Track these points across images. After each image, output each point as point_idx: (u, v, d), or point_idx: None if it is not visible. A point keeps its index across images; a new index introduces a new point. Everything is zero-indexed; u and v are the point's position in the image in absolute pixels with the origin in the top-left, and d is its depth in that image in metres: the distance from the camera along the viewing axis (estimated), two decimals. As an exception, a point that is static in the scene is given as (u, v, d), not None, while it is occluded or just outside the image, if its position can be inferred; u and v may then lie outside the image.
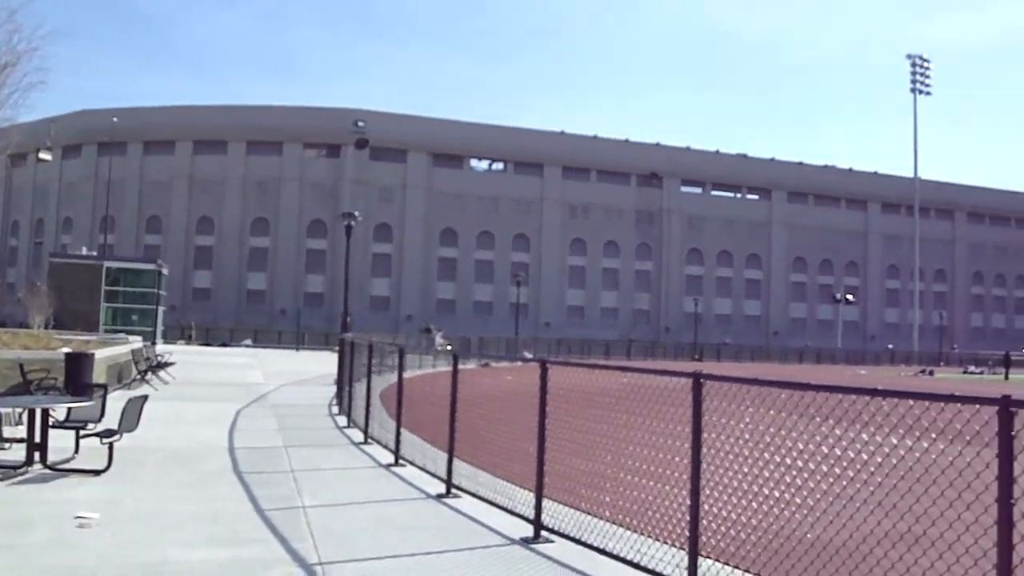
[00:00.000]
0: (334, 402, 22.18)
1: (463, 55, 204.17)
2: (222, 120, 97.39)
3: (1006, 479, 4.52)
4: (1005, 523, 4.51)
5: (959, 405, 4.95)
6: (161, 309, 57.18)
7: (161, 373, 26.38)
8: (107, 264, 54.99)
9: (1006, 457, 4.53)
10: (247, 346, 70.89)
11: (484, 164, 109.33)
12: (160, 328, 56.20)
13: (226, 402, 21.10)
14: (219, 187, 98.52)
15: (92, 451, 11.39)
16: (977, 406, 4.81)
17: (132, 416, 11.55)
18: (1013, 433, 4.54)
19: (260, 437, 15.41)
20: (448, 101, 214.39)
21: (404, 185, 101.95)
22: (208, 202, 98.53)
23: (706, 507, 6.62)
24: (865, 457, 5.92)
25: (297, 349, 68.65)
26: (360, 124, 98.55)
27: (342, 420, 18.54)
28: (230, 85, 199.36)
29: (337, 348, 26.93)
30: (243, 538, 8.18)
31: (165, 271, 59.91)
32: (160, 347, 38.90)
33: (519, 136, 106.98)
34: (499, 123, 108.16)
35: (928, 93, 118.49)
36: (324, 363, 38.64)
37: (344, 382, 20.46)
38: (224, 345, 70.10)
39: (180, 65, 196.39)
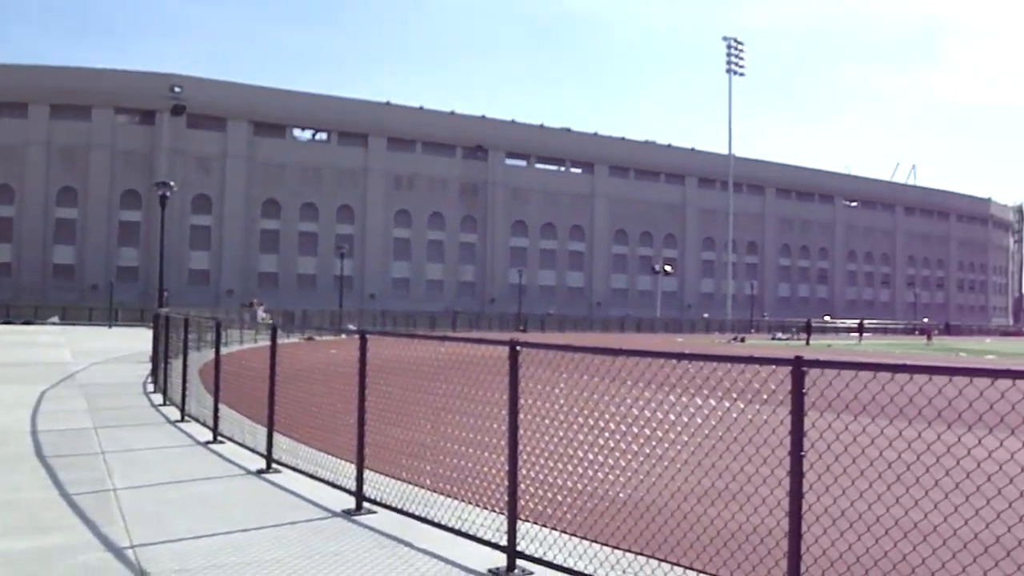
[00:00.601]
0: (149, 380, 21.33)
1: (286, 22, 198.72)
2: (21, 81, 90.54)
3: (797, 433, 4.82)
4: (795, 474, 4.81)
5: (758, 367, 5.25)
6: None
7: (-45, 354, 24.68)
8: None
9: (798, 412, 4.82)
10: (54, 324, 67.22)
11: (307, 134, 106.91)
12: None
13: (29, 384, 19.94)
14: (19, 153, 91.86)
15: None
16: (773, 367, 5.11)
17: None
18: (804, 390, 4.83)
19: (67, 419, 14.64)
20: (271, 69, 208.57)
21: (224, 154, 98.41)
22: (7, 170, 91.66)
23: (524, 471, 6.75)
24: (673, 418, 6.19)
25: (110, 326, 65.60)
26: (177, 90, 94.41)
27: (158, 398, 17.87)
28: (28, 43, 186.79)
29: (152, 324, 25.91)
30: (47, 526, 7.75)
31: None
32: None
33: (344, 106, 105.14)
34: (323, 92, 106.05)
35: (742, 74, 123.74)
36: (139, 340, 37.12)
37: (160, 359, 19.70)
38: (28, 323, 66.22)
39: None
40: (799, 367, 4.86)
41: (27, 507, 8.39)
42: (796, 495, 4.83)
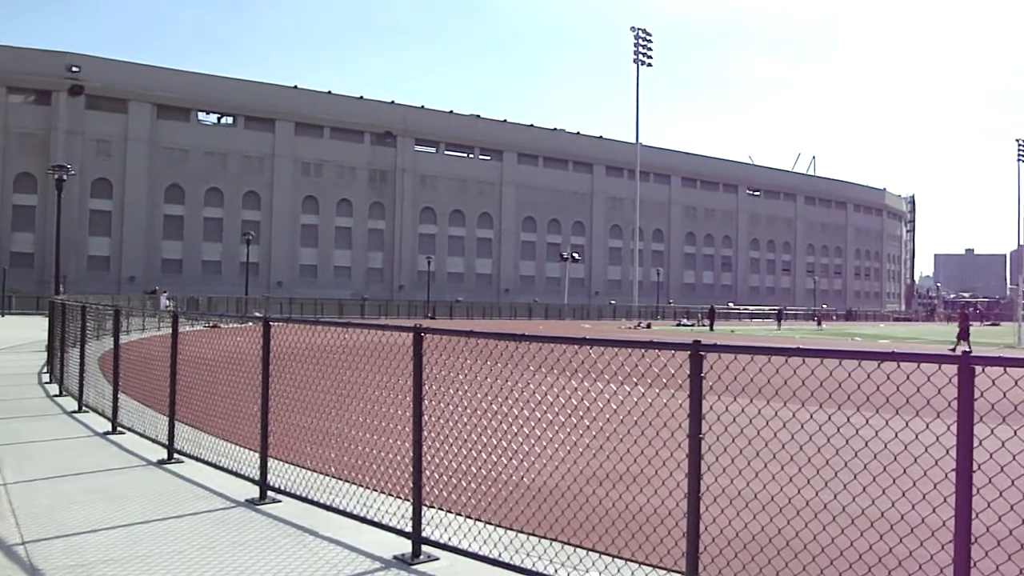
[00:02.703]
0: (45, 370, 20.68)
1: (193, 2, 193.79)
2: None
3: (696, 415, 4.94)
4: (694, 456, 4.94)
5: (658, 351, 5.36)
6: None
7: None
8: None
9: (696, 395, 4.94)
10: (-57, 312, 64.56)
11: (213, 118, 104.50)
12: None
13: (-84, 373, 19.15)
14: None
15: None
16: (673, 352, 5.23)
17: None
18: (702, 374, 4.96)
19: (-44, 410, 14.12)
20: (175, 50, 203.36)
21: (125, 137, 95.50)
22: None
23: (428, 458, 6.77)
24: (575, 402, 6.28)
25: (2, 314, 63.28)
26: (74, 69, 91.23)
27: (53, 388, 17.34)
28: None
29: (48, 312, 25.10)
30: (-69, 521, 7.48)
31: None
32: None
33: (250, 89, 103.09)
34: (230, 75, 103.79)
35: (650, 65, 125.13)
36: (34, 328, 35.93)
37: (56, 348, 19.11)
38: (-86, 312, 63.50)
39: None
40: (697, 351, 4.99)
41: (-89, 503, 8.07)
42: (695, 476, 4.95)
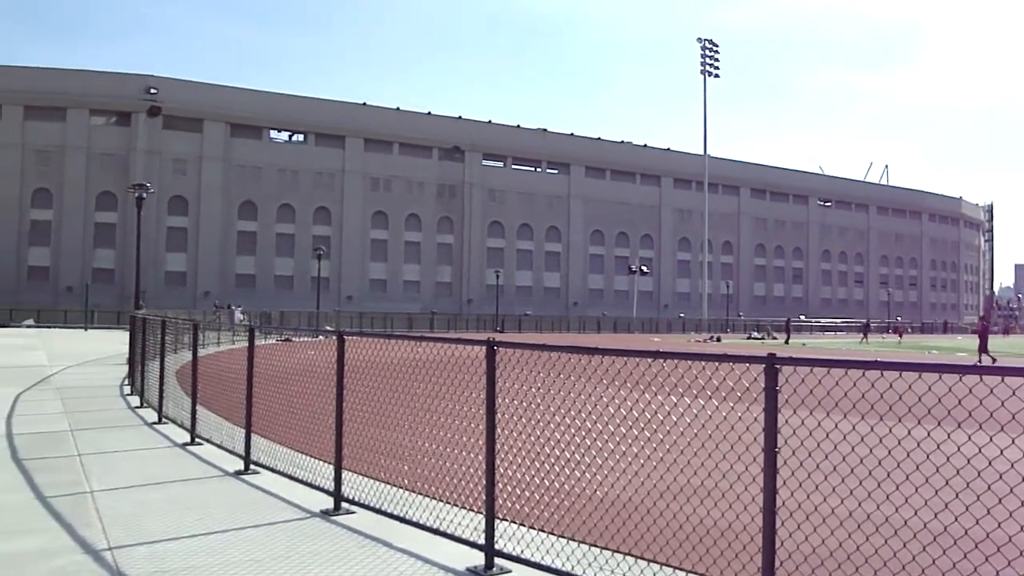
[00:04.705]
0: (126, 383, 21.23)
1: (265, 25, 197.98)
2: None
3: (771, 429, 4.89)
4: (769, 470, 4.89)
5: (732, 365, 5.33)
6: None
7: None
8: None
9: (771, 409, 4.90)
10: (29, 326, 66.62)
11: (284, 135, 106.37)
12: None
13: (3, 386, 19.79)
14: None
15: None
16: (747, 365, 5.19)
17: None
18: (777, 387, 4.91)
19: (43, 422, 14.56)
20: (247, 70, 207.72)
21: (200, 156, 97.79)
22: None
23: (502, 470, 6.80)
24: (648, 416, 6.25)
25: (86, 328, 65.08)
26: (152, 91, 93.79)
27: (135, 400, 17.79)
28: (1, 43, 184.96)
29: (129, 326, 25.78)
30: (22, 528, 7.73)
31: (-69, 247, 55.36)
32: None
33: (320, 107, 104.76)
34: (300, 93, 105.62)
35: (717, 75, 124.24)
36: (115, 342, 36.90)
37: (136, 361, 19.61)
38: (2, 326, 65.60)
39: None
40: (772, 364, 4.95)
41: (5, 510, 8.36)
42: (770, 491, 4.90)
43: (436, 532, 7.19)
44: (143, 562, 6.68)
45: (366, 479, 8.60)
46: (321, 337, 12.95)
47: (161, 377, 15.09)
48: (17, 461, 10.93)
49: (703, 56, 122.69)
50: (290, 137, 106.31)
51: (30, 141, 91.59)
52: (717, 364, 5.43)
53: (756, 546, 5.04)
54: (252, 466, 10.37)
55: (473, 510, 7.22)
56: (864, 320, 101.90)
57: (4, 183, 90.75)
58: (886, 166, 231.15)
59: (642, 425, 6.35)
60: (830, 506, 5.43)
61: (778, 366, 4.94)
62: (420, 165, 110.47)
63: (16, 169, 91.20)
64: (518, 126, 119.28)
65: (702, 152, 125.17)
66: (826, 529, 5.73)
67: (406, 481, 8.37)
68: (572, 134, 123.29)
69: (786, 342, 70.50)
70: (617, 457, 6.65)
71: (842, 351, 51.23)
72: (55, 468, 10.46)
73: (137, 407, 16.88)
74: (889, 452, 4.90)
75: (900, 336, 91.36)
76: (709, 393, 5.61)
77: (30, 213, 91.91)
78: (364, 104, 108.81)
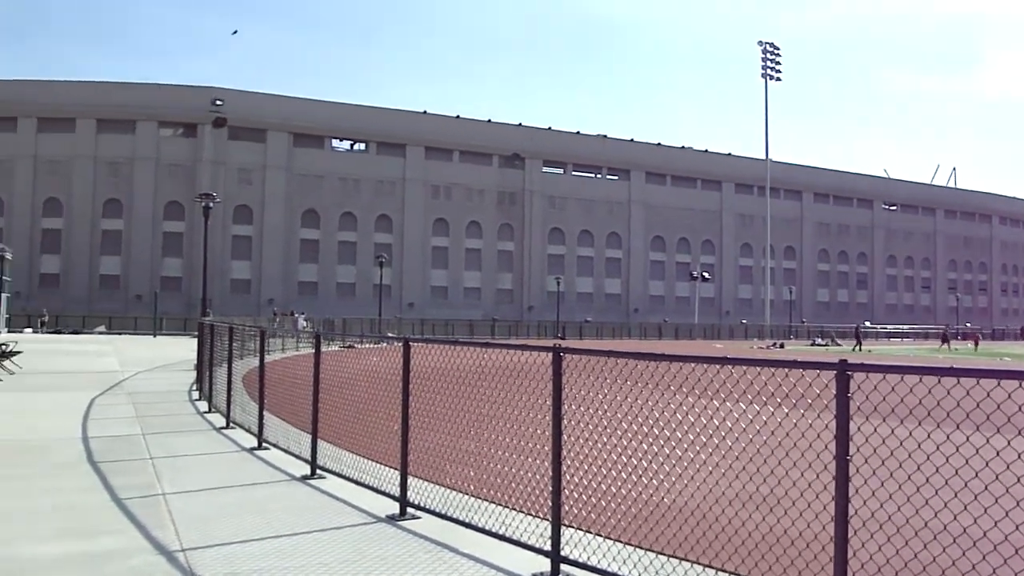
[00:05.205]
0: (194, 388, 21.63)
1: (324, 35, 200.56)
2: (70, 97, 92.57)
3: (843, 437, 4.82)
4: (841, 478, 4.81)
5: (802, 372, 5.26)
6: (4, 296, 54.48)
7: (6, 363, 25.08)
8: (-58, 249, 52.03)
9: (843, 416, 4.82)
10: (101, 333, 68.25)
11: (346, 144, 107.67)
12: (3, 316, 53.57)
13: (79, 391, 20.31)
14: (67, 167, 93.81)
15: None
16: (818, 372, 5.12)
17: (-25, 407, 11.00)
18: (849, 394, 4.83)
19: (116, 425, 14.90)
20: (308, 81, 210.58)
21: (264, 165, 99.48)
22: (55, 183, 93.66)
23: (567, 477, 6.79)
24: (717, 423, 6.19)
25: (154, 335, 66.52)
26: (218, 102, 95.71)
27: (203, 405, 18.11)
28: (73, 60, 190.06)
29: (196, 333, 26.27)
30: (99, 529, 7.92)
31: (8, 255, 57.09)
32: (3, 336, 37.00)
33: (381, 116, 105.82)
34: (361, 103, 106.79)
35: (778, 79, 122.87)
36: (183, 349, 37.62)
37: (204, 367, 19.96)
38: (76, 333, 67.30)
39: (11, 38, 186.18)
40: (844, 371, 4.87)
41: (80, 511, 8.57)
42: (842, 499, 4.82)
43: (502, 538, 7.19)
44: (215, 564, 6.79)
45: (431, 484, 8.65)
46: (383, 344, 13.06)
47: (229, 383, 15.34)
48: (93, 463, 11.20)
49: (764, 59, 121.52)
50: (352, 146, 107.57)
51: (102, 153, 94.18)
52: (787, 371, 5.37)
53: (828, 556, 4.97)
54: (318, 471, 10.49)
55: (539, 516, 7.21)
56: (942, 326, 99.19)
57: (78, 194, 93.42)
58: (953, 168, 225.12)
59: (710, 432, 6.29)
60: (904, 516, 5.32)
61: (850, 372, 4.87)
62: (480, 172, 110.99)
63: (89, 180, 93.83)
64: (578, 132, 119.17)
65: (764, 156, 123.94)
66: (900, 539, 5.62)
67: (471, 487, 8.39)
68: (632, 140, 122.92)
69: (856, 349, 68.40)
70: (685, 464, 6.59)
71: (919, 358, 50.21)
72: (129, 471, 10.69)
73: (205, 412, 17.18)
74: (967, 461, 4.79)
75: (976, 343, 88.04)
76: (779, 400, 5.53)
77: (102, 223, 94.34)
78: (424, 112, 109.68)
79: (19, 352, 26.81)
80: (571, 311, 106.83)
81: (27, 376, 24.20)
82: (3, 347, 26.63)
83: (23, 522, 8.09)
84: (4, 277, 54.12)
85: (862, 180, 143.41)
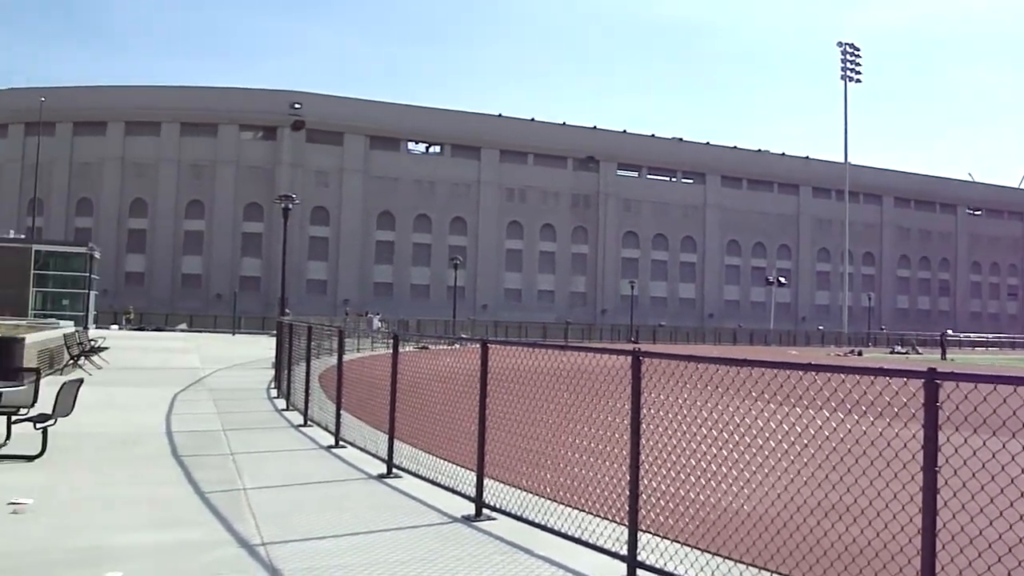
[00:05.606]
0: (272, 385, 22.01)
1: (398, 39, 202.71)
2: (155, 101, 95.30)
3: (931, 447, 4.70)
4: (929, 490, 4.70)
5: (888, 379, 5.15)
6: (93, 294, 56.17)
7: (95, 358, 25.92)
8: (36, 248, 53.88)
9: (931, 426, 4.71)
10: (182, 331, 69.92)
11: (421, 147, 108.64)
12: (92, 313, 55.25)
13: (163, 386, 20.83)
14: (152, 169, 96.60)
15: (25, 437, 11.17)
16: (905, 380, 5.00)
17: (67, 400, 11.35)
18: (938, 404, 4.72)
19: (198, 421, 15.26)
20: (385, 84, 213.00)
21: (341, 168, 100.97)
22: (141, 184, 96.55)
23: (645, 482, 6.74)
24: (799, 430, 6.09)
25: (233, 333, 67.89)
26: (297, 106, 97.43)
27: (281, 403, 18.43)
28: (157, 65, 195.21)
29: (275, 332, 26.73)
30: (183, 521, 8.12)
31: (97, 255, 58.84)
32: (92, 332, 38.16)
33: (456, 119, 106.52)
34: (436, 106, 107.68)
35: (858, 80, 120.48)
36: (261, 347, 38.32)
37: (283, 365, 20.30)
38: (159, 330, 69.05)
39: (104, 45, 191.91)
40: (932, 380, 4.76)
41: (167, 503, 8.82)
42: (930, 512, 4.71)
43: (577, 541, 7.17)
44: (294, 558, 6.91)
45: (506, 486, 8.66)
46: (457, 345, 13.13)
47: (307, 381, 15.59)
48: (177, 458, 11.49)
49: (843, 60, 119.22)
50: (427, 149, 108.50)
51: (185, 156, 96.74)
52: (872, 378, 5.26)
53: (914, 568, 4.85)
54: (394, 469, 10.59)
55: (615, 521, 7.18)
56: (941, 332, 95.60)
57: (163, 196, 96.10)
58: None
59: (792, 439, 6.19)
60: (997, 531, 5.16)
61: (939, 381, 4.75)
62: (555, 175, 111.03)
63: (172, 182, 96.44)
64: (652, 135, 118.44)
65: (842, 160, 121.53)
66: (992, 555, 5.46)
67: (548, 489, 8.39)
68: (708, 143, 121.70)
69: (942, 357, 66.28)
70: (765, 471, 6.50)
71: (1009, 367, 48.70)
72: (210, 465, 10.93)
73: (283, 410, 17.48)
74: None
75: None
76: (864, 408, 5.42)
77: (184, 224, 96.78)
78: (499, 115, 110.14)
79: (106, 348, 27.71)
80: (644, 315, 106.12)
81: (114, 371, 24.98)
82: (92, 343, 27.53)
83: (112, 512, 8.35)
84: (93, 276, 55.72)
85: (945, 184, 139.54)
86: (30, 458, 10.69)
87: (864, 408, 5.45)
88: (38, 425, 10.88)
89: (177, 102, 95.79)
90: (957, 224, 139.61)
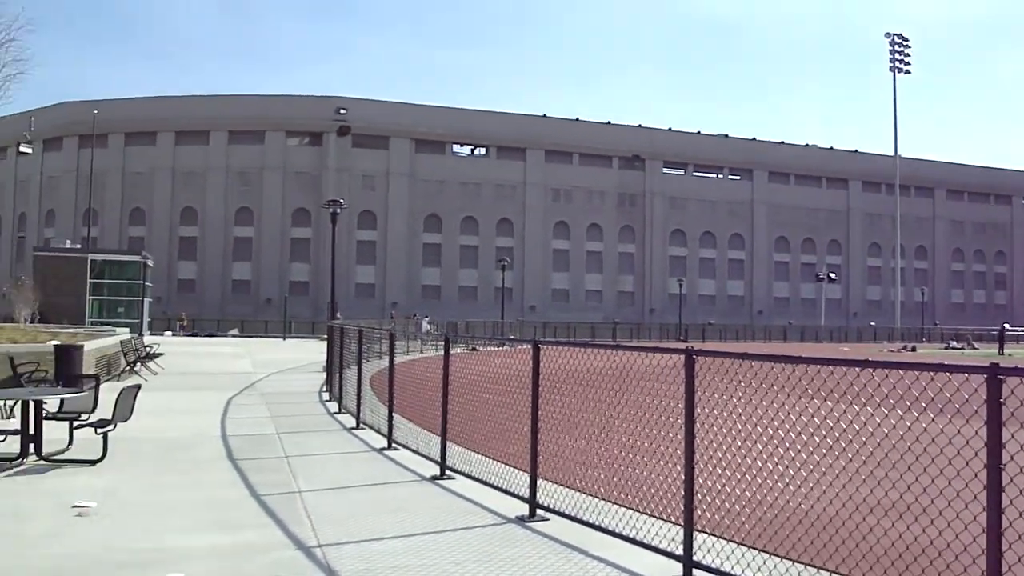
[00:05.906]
0: (324, 389, 22.23)
1: (442, 42, 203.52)
2: (204, 110, 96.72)
3: (995, 444, 4.62)
4: (993, 488, 4.62)
5: (948, 375, 5.07)
6: (147, 301, 57.13)
7: (150, 364, 26.37)
8: (92, 257, 54.88)
9: (995, 422, 4.63)
10: (234, 336, 70.84)
11: (466, 149, 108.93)
12: (147, 320, 56.20)
13: (217, 391, 21.13)
14: (202, 177, 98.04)
15: (86, 442, 11.42)
16: (966, 375, 4.92)
17: (126, 406, 11.57)
18: (1001, 400, 4.63)
19: (252, 424, 15.46)
20: (429, 87, 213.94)
21: (387, 172, 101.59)
22: (191, 193, 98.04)
23: (700, 481, 6.70)
24: (857, 428, 6.02)
25: (284, 338, 68.58)
26: (342, 111, 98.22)
27: (333, 406, 18.59)
28: (206, 75, 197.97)
29: (325, 336, 26.96)
30: (241, 523, 8.24)
31: (150, 263, 59.85)
32: (147, 338, 38.82)
33: (501, 121, 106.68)
34: (481, 108, 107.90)
35: (907, 71, 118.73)
36: (311, 351, 38.71)
37: (334, 368, 20.49)
38: (211, 336, 70.03)
39: (154, 56, 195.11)
40: (995, 375, 4.68)
41: (224, 506, 8.95)
42: (994, 511, 4.63)
43: (632, 541, 7.15)
44: (351, 560, 6.98)
45: (560, 487, 8.66)
46: (506, 346, 13.15)
47: (359, 384, 15.71)
48: (232, 460, 11.66)
49: (892, 51, 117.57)
50: (472, 151, 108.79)
51: (233, 163, 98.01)
52: (932, 374, 5.18)
53: (979, 568, 4.77)
54: (447, 471, 10.64)
55: (670, 520, 7.15)
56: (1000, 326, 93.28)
57: (212, 204, 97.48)
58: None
59: (850, 437, 6.12)
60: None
61: (1002, 376, 4.67)
62: (600, 175, 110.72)
63: (222, 190, 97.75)
64: (698, 132, 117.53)
65: (893, 153, 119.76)
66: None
67: (601, 490, 8.37)
68: (754, 139, 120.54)
69: (1000, 352, 64.74)
70: (823, 470, 6.43)
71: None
72: (266, 468, 11.08)
73: (336, 412, 17.63)
74: None
75: None
76: (924, 404, 5.34)
77: (233, 231, 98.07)
78: (544, 116, 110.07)
79: (161, 354, 28.18)
80: (693, 313, 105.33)
81: (169, 376, 25.40)
82: (148, 349, 28.01)
83: (172, 515, 8.50)
84: (147, 283, 56.71)
85: (999, 175, 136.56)
86: (92, 462, 10.91)
87: (924, 405, 5.37)
88: (99, 430, 11.10)
89: (225, 110, 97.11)
90: (1013, 215, 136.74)
